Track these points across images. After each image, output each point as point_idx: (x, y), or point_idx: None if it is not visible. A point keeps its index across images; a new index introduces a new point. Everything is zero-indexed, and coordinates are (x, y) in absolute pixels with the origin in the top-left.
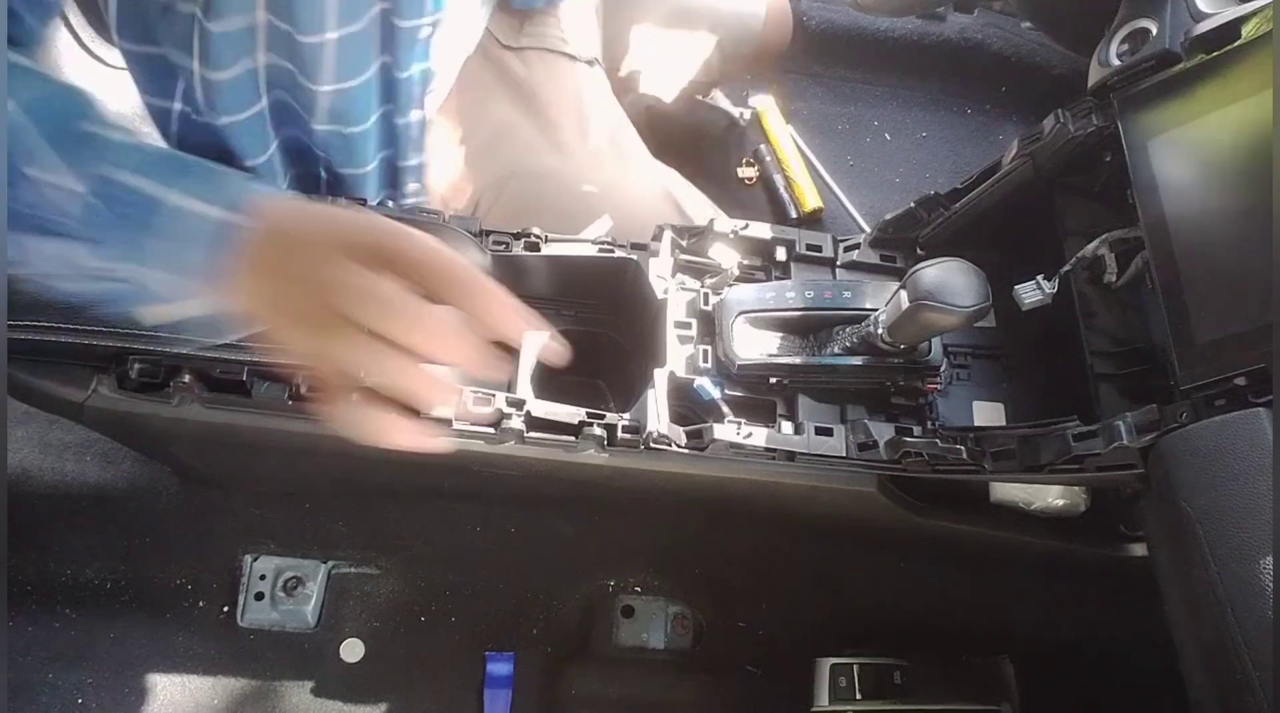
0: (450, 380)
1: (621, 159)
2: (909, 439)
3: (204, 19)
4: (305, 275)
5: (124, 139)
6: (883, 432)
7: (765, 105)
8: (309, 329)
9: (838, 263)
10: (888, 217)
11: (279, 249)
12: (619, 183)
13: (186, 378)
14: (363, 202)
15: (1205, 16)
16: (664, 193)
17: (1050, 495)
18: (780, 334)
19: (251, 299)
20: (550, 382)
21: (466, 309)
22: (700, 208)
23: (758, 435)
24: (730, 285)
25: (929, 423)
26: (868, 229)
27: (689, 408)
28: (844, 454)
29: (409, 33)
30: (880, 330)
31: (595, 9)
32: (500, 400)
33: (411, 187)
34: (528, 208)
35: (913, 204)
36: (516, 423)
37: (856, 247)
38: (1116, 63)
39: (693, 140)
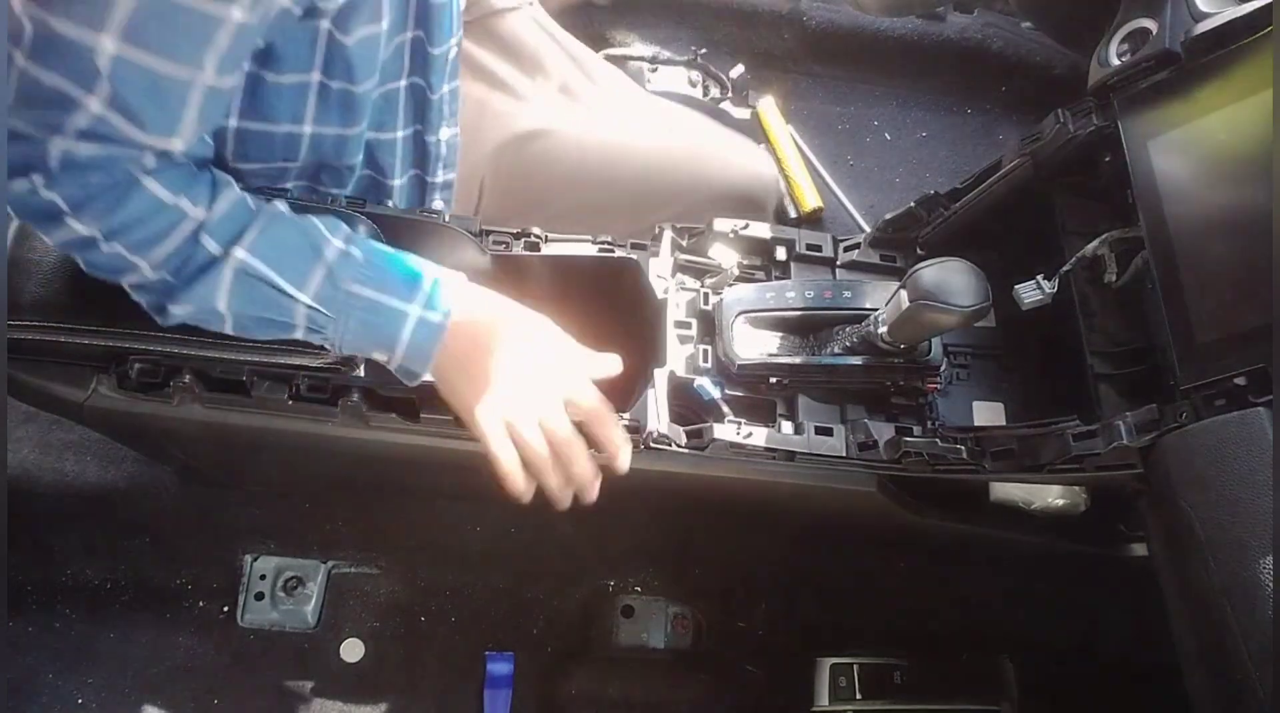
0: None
1: (599, 87)
2: (909, 439)
3: (263, 71)
4: (497, 398)
5: (343, 250)
6: (883, 432)
7: (765, 105)
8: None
9: (838, 263)
10: (888, 216)
11: (474, 360)
12: (610, 117)
13: (186, 378)
14: (362, 202)
15: (1205, 16)
16: (658, 113)
17: (1050, 495)
18: (780, 334)
19: (444, 386)
20: None
21: (596, 437)
22: (694, 121)
23: (758, 435)
24: (730, 285)
25: (929, 423)
26: (868, 229)
27: (689, 408)
28: (844, 454)
29: (439, 58)
30: (880, 330)
31: None
32: None
33: (438, 203)
34: (528, 172)
35: (913, 204)
36: None
37: (856, 246)
38: (1116, 63)
39: None
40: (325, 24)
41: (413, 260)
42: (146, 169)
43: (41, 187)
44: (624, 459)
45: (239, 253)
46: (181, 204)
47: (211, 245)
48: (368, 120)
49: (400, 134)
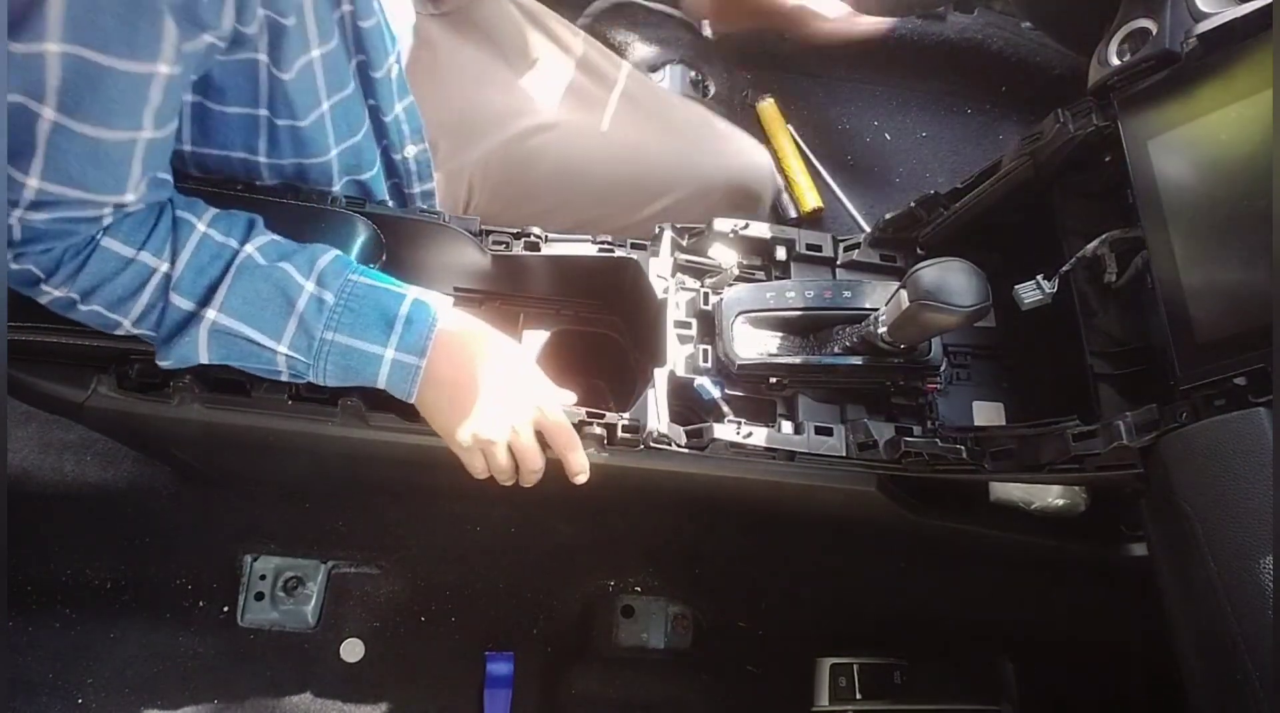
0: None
1: (589, 75)
2: (909, 439)
3: (205, 100)
4: (472, 421)
5: (315, 296)
6: (883, 432)
7: (765, 105)
8: (471, 439)
9: (838, 263)
10: (888, 216)
11: (452, 384)
12: (600, 107)
13: (186, 378)
14: (362, 203)
15: (1205, 16)
16: (652, 101)
17: (1050, 495)
18: (780, 334)
19: (423, 407)
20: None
21: (558, 454)
22: (689, 110)
23: (758, 435)
24: (730, 285)
25: (929, 423)
26: (868, 229)
27: (689, 408)
28: (844, 454)
29: (382, 81)
30: (880, 330)
31: None
32: None
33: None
34: (520, 168)
35: (913, 204)
36: None
37: (856, 246)
38: (1116, 63)
39: None
40: (262, 58)
41: (391, 291)
42: (105, 227)
43: (11, 260)
44: (581, 477)
45: (210, 314)
46: (143, 258)
47: (183, 303)
48: (334, 153)
49: (376, 169)
